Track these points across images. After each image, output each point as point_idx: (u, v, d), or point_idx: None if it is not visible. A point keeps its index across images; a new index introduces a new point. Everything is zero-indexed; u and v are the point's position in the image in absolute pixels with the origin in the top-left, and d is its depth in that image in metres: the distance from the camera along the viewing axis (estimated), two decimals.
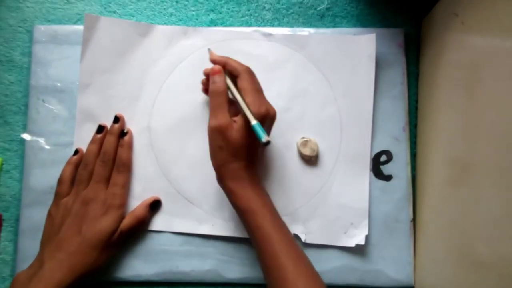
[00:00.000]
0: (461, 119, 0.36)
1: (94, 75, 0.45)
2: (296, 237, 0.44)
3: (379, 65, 0.46)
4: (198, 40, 0.46)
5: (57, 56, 0.46)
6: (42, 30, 0.46)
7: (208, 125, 0.37)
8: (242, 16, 0.47)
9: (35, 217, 0.43)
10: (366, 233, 0.43)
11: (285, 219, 0.42)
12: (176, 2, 0.47)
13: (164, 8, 0.47)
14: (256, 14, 0.47)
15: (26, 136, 0.45)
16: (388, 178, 0.44)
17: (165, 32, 0.46)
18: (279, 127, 0.44)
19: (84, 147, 0.44)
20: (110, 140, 0.43)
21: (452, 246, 0.36)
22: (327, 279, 0.43)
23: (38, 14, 0.47)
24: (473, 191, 0.33)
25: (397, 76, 0.45)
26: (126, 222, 0.42)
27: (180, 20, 0.47)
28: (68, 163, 0.43)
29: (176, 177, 0.44)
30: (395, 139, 0.45)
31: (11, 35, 0.47)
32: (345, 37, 0.45)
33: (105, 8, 0.47)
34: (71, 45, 0.46)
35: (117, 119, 0.44)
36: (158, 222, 0.44)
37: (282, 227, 0.37)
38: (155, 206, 0.44)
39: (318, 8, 0.47)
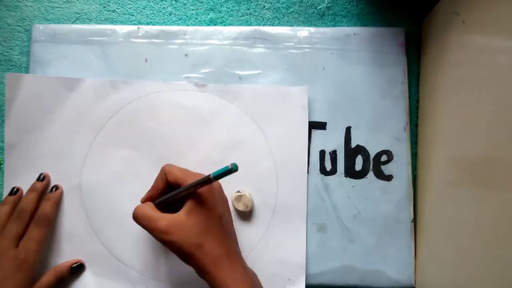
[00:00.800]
0: (462, 118, 0.36)
1: (19, 135, 0.44)
2: None
3: (380, 64, 0.45)
4: (129, 92, 0.45)
5: (55, 55, 0.45)
6: (40, 29, 0.46)
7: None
8: (242, 15, 0.47)
9: None
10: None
11: None
12: (176, 1, 0.47)
13: (164, 7, 0.47)
14: (256, 13, 0.47)
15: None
16: (388, 178, 0.44)
17: (93, 86, 0.45)
18: None
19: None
20: (30, 197, 0.41)
21: (453, 246, 0.36)
22: (328, 280, 0.43)
23: (36, 13, 0.47)
24: (474, 191, 0.33)
25: (398, 75, 0.45)
26: (45, 279, 0.40)
27: (180, 19, 0.47)
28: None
29: (108, 237, 0.43)
30: (396, 139, 0.45)
31: (9, 34, 0.46)
32: (277, 88, 0.45)
33: (104, 7, 0.47)
34: (70, 44, 0.46)
35: (42, 177, 0.42)
36: (91, 286, 0.43)
37: None
38: (77, 269, 0.42)
39: (319, 7, 0.47)
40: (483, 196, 0.32)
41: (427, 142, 0.43)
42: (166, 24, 0.47)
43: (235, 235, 0.38)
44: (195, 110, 0.45)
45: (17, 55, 0.46)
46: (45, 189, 0.43)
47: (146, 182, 0.40)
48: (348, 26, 0.47)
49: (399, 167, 0.44)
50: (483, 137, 0.32)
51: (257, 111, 0.45)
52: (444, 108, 0.40)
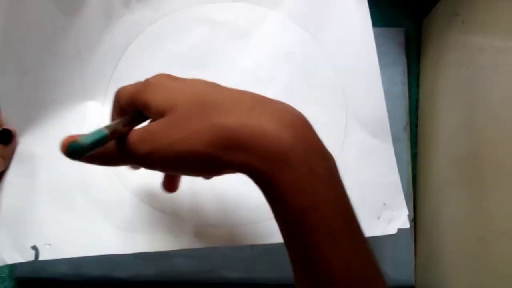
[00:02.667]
0: (462, 118, 0.36)
1: (13, 78, 0.34)
2: None
3: (380, 64, 0.45)
4: (147, 12, 0.36)
5: None
6: None
7: None
8: None
9: None
10: (407, 212, 0.35)
11: None
12: None
13: None
14: None
15: None
16: None
17: (100, 6, 0.35)
18: None
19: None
20: None
21: (452, 246, 0.36)
22: None
23: None
24: (474, 191, 0.33)
25: (398, 75, 0.45)
26: None
27: None
28: None
29: (135, 180, 0.34)
30: (395, 138, 0.44)
31: None
32: None
33: None
34: None
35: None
36: (114, 243, 0.33)
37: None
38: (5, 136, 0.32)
39: None
40: (483, 196, 0.32)
41: (427, 142, 0.43)
42: None
43: None
44: (229, 25, 0.37)
45: None
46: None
47: None
48: None
49: (399, 167, 0.44)
50: (483, 137, 0.32)
51: (303, 14, 0.37)
52: (444, 108, 0.40)
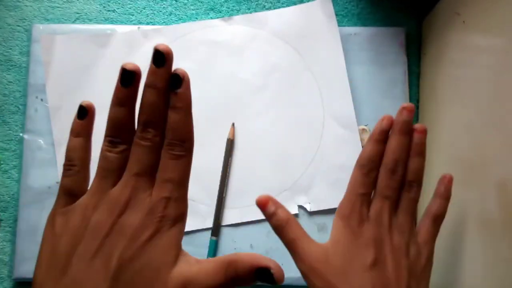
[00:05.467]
0: (463, 118, 0.36)
1: (63, 96, 0.45)
2: (302, 208, 0.44)
3: (380, 64, 0.45)
4: (160, 39, 0.46)
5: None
6: (40, 29, 0.46)
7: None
8: (242, 15, 0.47)
9: (33, 217, 0.43)
10: None
11: (286, 194, 0.43)
12: (176, 1, 0.47)
13: (164, 7, 0.47)
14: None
15: (24, 135, 0.45)
16: None
17: (124, 39, 0.45)
18: (260, 104, 0.45)
19: None
20: (153, 99, 0.26)
21: (452, 246, 0.36)
22: None
23: (36, 13, 0.47)
24: (475, 191, 0.33)
25: (398, 75, 0.45)
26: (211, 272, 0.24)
27: (180, 19, 0.47)
28: (75, 132, 0.26)
29: None
30: None
31: (9, 34, 0.46)
32: (301, 6, 0.46)
33: (104, 7, 0.47)
34: None
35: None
36: None
37: None
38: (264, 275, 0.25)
39: None
40: (483, 196, 0.32)
41: (428, 142, 0.43)
42: (166, 24, 0.47)
43: None
44: (226, 44, 0.46)
45: (17, 55, 0.46)
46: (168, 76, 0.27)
47: (196, 121, 0.42)
48: (348, 26, 0.47)
49: None
50: (484, 137, 0.32)
51: (287, 32, 0.45)
52: (445, 108, 0.40)
